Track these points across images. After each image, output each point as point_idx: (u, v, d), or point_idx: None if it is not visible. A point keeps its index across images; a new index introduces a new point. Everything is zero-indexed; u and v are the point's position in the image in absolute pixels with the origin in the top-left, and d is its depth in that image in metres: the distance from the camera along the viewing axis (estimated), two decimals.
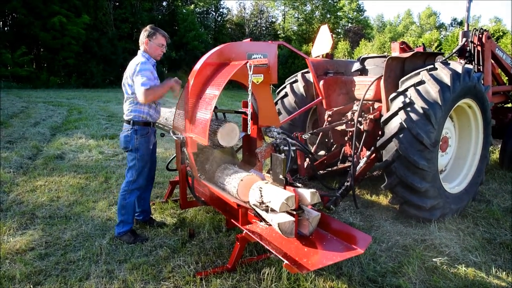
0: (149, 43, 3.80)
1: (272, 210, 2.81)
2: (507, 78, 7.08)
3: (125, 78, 3.80)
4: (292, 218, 2.73)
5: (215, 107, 3.28)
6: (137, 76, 3.62)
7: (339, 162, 5.40)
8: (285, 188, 2.88)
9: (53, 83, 27.51)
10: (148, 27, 3.88)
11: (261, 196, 2.90)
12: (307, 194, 2.80)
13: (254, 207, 3.04)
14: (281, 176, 2.89)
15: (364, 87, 4.88)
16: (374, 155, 4.54)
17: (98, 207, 4.65)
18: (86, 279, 3.12)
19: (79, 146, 7.98)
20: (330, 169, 5.33)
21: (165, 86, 3.76)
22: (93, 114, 12.96)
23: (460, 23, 62.00)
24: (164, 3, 42.04)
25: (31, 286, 2.99)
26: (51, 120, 11.28)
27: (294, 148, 3.79)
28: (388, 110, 4.33)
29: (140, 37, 3.87)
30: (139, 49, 3.89)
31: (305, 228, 2.85)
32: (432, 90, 4.04)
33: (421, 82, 4.13)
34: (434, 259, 3.45)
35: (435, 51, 6.78)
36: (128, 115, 3.79)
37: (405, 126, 4.00)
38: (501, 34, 26.49)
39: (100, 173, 6.06)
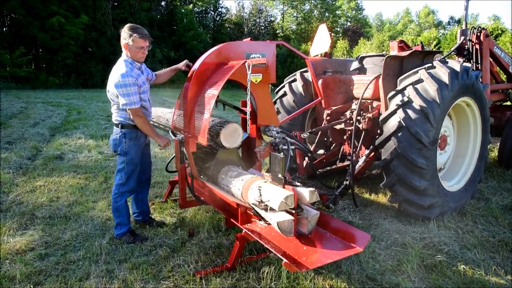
0: (128, 47, 3.54)
1: (271, 209, 2.82)
2: (505, 76, 7.09)
3: (108, 85, 3.63)
4: (291, 217, 2.74)
5: (217, 96, 3.27)
6: (119, 95, 3.50)
7: (338, 161, 5.41)
8: (284, 187, 2.88)
9: (52, 84, 27.49)
10: (126, 28, 3.55)
11: (260, 195, 2.91)
12: (306, 193, 2.81)
13: (253, 206, 3.05)
14: (280, 175, 2.90)
15: (362, 86, 4.89)
16: (373, 153, 4.55)
17: (98, 207, 4.65)
18: (86, 279, 3.12)
19: (79, 146, 7.98)
20: (329, 168, 5.35)
21: (154, 134, 3.70)
22: (92, 114, 12.96)
23: (458, 22, 62.07)
24: (163, 3, 42.02)
25: (31, 286, 3.00)
26: (50, 120, 11.27)
27: (293, 147, 3.80)
28: (386, 108, 4.34)
29: (120, 38, 3.59)
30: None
31: (304, 227, 2.86)
32: (430, 88, 4.04)
33: (420, 81, 4.14)
34: (433, 257, 3.46)
35: (434, 49, 6.78)
36: (116, 118, 3.70)
37: (404, 124, 4.01)
38: (500, 32, 26.53)
39: (100, 173, 6.06)
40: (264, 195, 2.88)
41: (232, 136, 3.43)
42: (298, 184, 3.01)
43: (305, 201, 2.84)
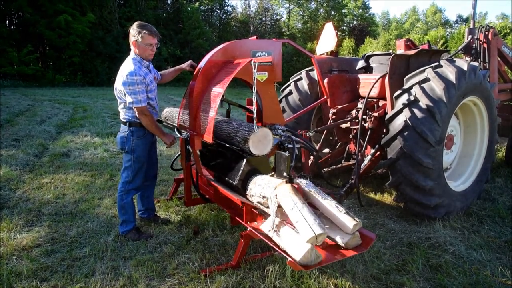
0: (137, 44, 3.56)
1: (286, 221, 2.73)
2: None
3: (116, 82, 3.64)
4: (309, 246, 2.45)
5: (222, 96, 3.24)
6: (126, 93, 3.50)
7: (343, 160, 5.40)
8: (287, 182, 2.83)
9: (58, 81, 27.63)
10: (134, 26, 3.57)
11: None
12: (350, 223, 2.57)
13: (258, 204, 3.03)
14: (285, 174, 2.89)
15: (368, 84, 4.87)
16: (378, 153, 4.53)
17: (104, 204, 4.68)
18: (92, 275, 3.14)
19: (85, 144, 8.02)
20: (334, 167, 5.33)
21: (159, 133, 3.70)
22: (98, 112, 13.02)
23: (466, 20, 61.52)
24: (169, 1, 42.04)
25: (38, 282, 3.02)
26: (57, 118, 11.34)
27: (298, 145, 3.79)
28: (392, 107, 4.32)
29: (129, 36, 3.61)
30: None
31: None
32: (437, 87, 4.01)
33: (426, 80, 4.11)
34: (438, 257, 3.44)
35: (441, 48, 6.73)
36: (124, 116, 3.71)
37: (410, 123, 3.98)
38: (508, 31, 26.25)
39: (105, 170, 6.10)
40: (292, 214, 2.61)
41: (262, 142, 3.13)
42: (343, 210, 2.69)
43: (346, 231, 2.64)
